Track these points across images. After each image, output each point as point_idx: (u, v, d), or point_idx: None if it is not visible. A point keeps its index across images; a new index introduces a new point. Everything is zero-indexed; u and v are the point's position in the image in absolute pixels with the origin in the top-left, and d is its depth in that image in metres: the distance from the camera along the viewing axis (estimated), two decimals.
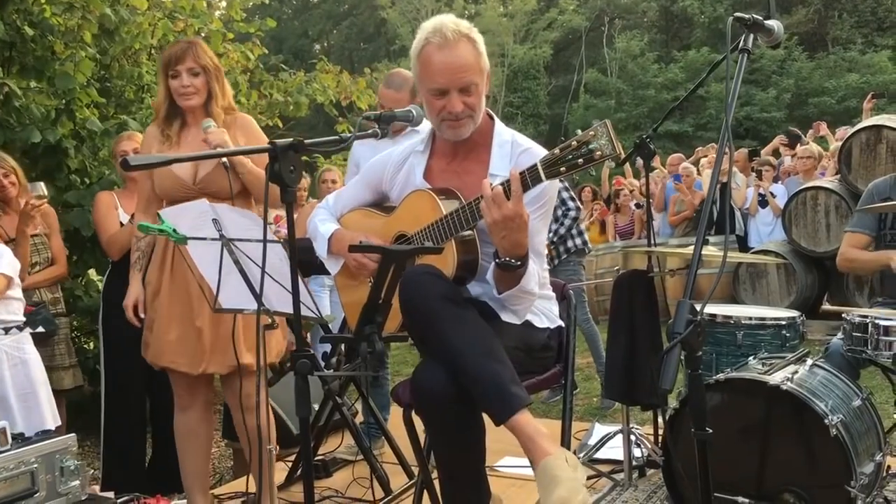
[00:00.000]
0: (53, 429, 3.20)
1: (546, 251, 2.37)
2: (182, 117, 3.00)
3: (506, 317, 2.26)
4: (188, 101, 2.93)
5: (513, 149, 2.30)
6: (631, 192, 9.54)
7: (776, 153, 9.74)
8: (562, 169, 1.91)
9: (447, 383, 1.99)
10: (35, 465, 2.56)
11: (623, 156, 1.85)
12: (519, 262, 2.06)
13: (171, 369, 2.99)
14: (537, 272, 2.23)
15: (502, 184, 1.99)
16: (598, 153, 1.85)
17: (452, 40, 2.19)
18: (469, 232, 2.18)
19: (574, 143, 1.88)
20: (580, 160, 1.88)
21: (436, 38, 2.20)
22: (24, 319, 3.45)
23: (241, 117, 3.06)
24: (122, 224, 3.75)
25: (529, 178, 1.95)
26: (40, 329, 3.74)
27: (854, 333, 2.95)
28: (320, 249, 2.54)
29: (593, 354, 5.42)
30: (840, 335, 3.12)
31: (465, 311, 2.06)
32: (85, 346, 5.28)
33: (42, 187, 3.82)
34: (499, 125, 2.37)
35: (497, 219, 1.98)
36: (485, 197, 1.99)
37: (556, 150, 1.91)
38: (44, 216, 3.93)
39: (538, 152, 2.25)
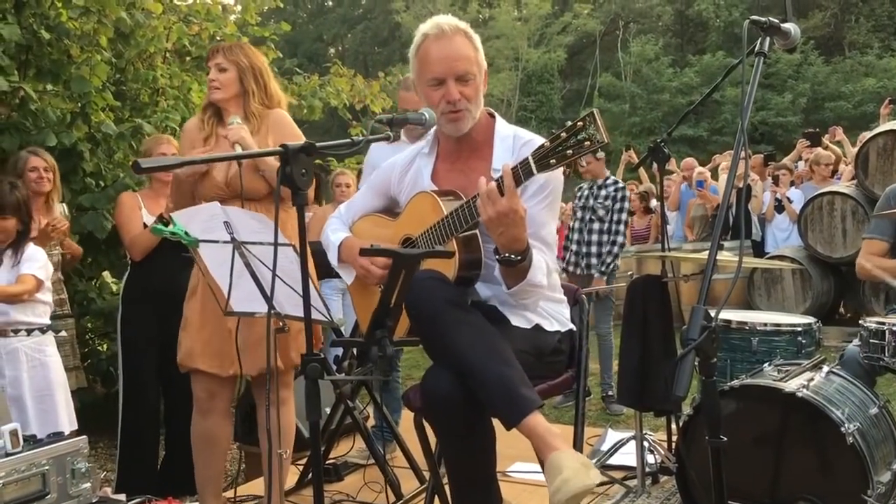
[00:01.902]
0: (68, 433, 3.21)
1: (556, 242, 2.36)
2: (217, 112, 3.06)
3: (515, 320, 2.25)
4: (212, 94, 3.01)
5: (514, 142, 2.31)
6: (641, 195, 9.48)
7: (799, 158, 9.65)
8: (552, 161, 1.90)
9: (455, 388, 1.99)
10: (46, 468, 2.56)
11: (609, 142, 1.84)
12: (519, 257, 2.05)
13: (199, 370, 2.98)
14: (546, 263, 2.21)
15: (496, 180, 1.98)
16: (588, 143, 1.85)
17: (449, 32, 2.24)
18: (471, 230, 2.18)
19: (563, 134, 1.88)
20: (569, 151, 1.87)
21: (433, 32, 2.25)
22: (48, 322, 3.48)
23: (273, 113, 3.05)
24: (145, 225, 3.77)
25: (522, 171, 1.95)
26: (63, 333, 3.78)
27: (871, 340, 2.92)
28: (332, 258, 2.55)
29: (602, 365, 5.41)
30: (856, 341, 3.09)
31: (470, 315, 2.06)
32: (98, 347, 5.29)
33: (64, 208, 3.87)
34: (500, 121, 2.38)
35: (492, 216, 1.97)
36: (479, 194, 1.99)
37: (547, 143, 1.91)
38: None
39: (539, 143, 2.26)
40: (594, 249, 5.29)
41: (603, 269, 5.21)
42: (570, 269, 5.42)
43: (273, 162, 2.85)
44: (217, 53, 3.02)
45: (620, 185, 5.39)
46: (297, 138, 2.95)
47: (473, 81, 2.25)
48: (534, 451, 2.01)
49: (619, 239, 5.27)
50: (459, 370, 1.99)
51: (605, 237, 5.27)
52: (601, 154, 5.36)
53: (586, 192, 5.41)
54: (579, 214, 5.41)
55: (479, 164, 2.33)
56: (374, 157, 3.79)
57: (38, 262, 3.39)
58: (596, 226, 5.30)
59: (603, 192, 5.30)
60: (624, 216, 5.30)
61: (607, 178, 5.37)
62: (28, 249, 3.39)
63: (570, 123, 1.88)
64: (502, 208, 1.95)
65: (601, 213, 5.27)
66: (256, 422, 3.24)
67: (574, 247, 5.38)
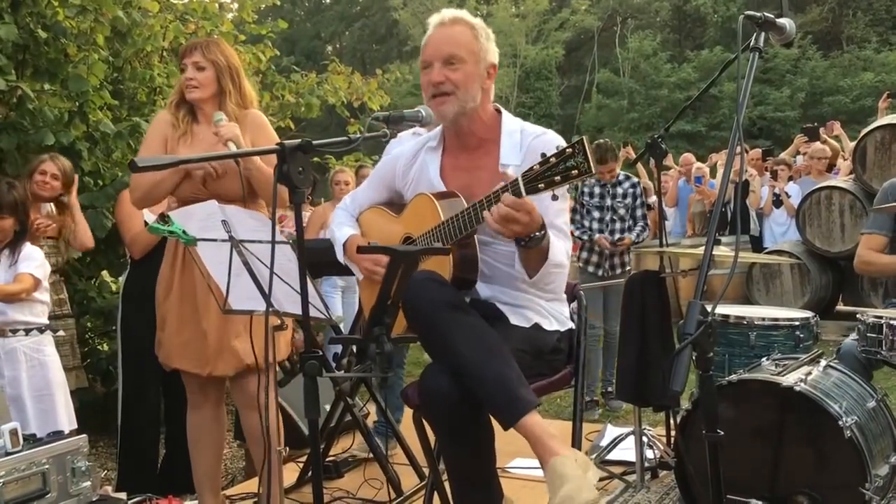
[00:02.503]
0: (67, 432, 3.21)
1: (568, 230, 2.36)
2: (191, 109, 3.00)
3: (514, 319, 2.25)
4: (189, 93, 2.95)
5: (522, 137, 2.30)
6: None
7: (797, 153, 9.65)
8: (540, 185, 1.90)
9: (452, 386, 1.99)
10: (46, 466, 2.57)
11: (594, 172, 1.85)
12: (542, 232, 2.04)
13: (181, 370, 3.00)
14: (564, 248, 2.22)
15: (495, 200, 1.98)
16: (575, 171, 1.85)
17: (448, 22, 2.27)
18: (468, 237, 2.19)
19: (553, 159, 1.88)
20: (557, 177, 1.88)
21: (436, 21, 2.30)
22: (46, 322, 3.48)
23: (251, 114, 3.01)
24: (146, 223, 3.76)
25: (511, 191, 1.95)
26: (61, 333, 3.78)
27: (869, 334, 2.93)
28: (338, 255, 2.56)
29: (605, 362, 5.39)
30: (853, 336, 3.10)
31: (468, 316, 2.06)
32: (98, 347, 5.29)
33: (51, 208, 3.86)
34: (506, 116, 2.37)
35: (519, 231, 1.99)
36: (497, 220, 1.96)
37: (537, 166, 1.91)
38: (71, 206, 4.00)
39: (553, 138, 2.28)
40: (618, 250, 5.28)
41: (635, 236, 5.27)
42: (591, 269, 5.35)
43: (258, 161, 2.84)
44: (194, 51, 2.94)
45: (634, 179, 5.40)
46: (274, 140, 2.93)
47: (462, 67, 2.24)
48: None
49: (648, 227, 5.37)
50: (458, 370, 1.99)
51: (626, 234, 5.28)
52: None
53: (598, 190, 5.36)
54: (596, 214, 5.34)
55: (486, 161, 2.32)
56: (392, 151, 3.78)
57: (35, 261, 3.40)
58: (618, 225, 5.29)
59: (619, 191, 5.29)
60: (645, 209, 5.39)
61: (618, 175, 5.36)
62: (25, 249, 3.40)
63: (559, 148, 1.88)
64: (524, 219, 1.95)
65: (622, 211, 5.26)
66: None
67: (596, 247, 5.34)
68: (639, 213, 5.32)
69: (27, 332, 3.38)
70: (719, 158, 9.93)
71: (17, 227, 3.39)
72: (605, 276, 5.29)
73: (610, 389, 5.24)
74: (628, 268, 5.33)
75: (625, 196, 5.30)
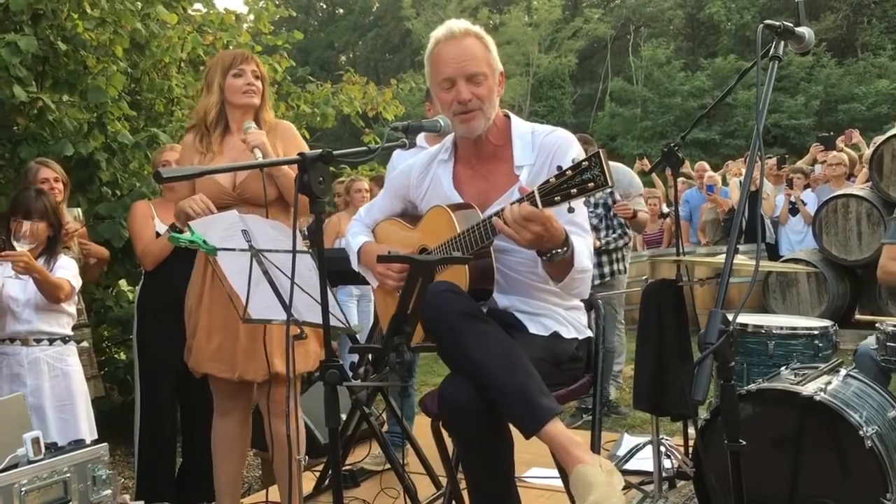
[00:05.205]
0: (89, 441, 3.23)
1: (588, 225, 2.35)
2: (225, 123, 3.05)
3: (533, 328, 2.25)
4: (251, 98, 3.00)
5: (534, 137, 2.32)
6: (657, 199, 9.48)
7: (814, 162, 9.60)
8: (556, 198, 1.91)
9: (473, 396, 1.99)
10: (68, 475, 2.58)
11: (611, 185, 1.84)
12: (564, 248, 2.04)
13: (212, 375, 3.01)
14: (586, 246, 2.20)
15: (518, 200, 1.98)
16: (591, 184, 1.85)
17: (460, 35, 2.27)
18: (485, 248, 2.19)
19: (569, 171, 1.88)
20: (573, 189, 1.88)
21: (443, 34, 2.29)
22: (70, 333, 3.50)
23: (282, 124, 3.12)
24: (158, 234, 3.79)
25: (527, 203, 1.95)
26: (84, 344, 3.80)
27: (888, 343, 2.92)
28: (353, 262, 2.58)
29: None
30: (871, 340, 3.08)
31: (487, 326, 2.06)
32: (115, 356, 5.33)
33: (78, 213, 3.89)
34: (515, 120, 2.40)
35: (533, 239, 1.97)
36: (509, 222, 1.97)
37: (552, 179, 1.91)
38: (80, 237, 4.02)
39: (563, 134, 2.31)
40: (618, 256, 5.21)
41: (618, 236, 5.16)
42: (596, 282, 5.15)
43: (286, 168, 2.87)
44: (251, 60, 3.05)
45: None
46: (304, 149, 2.96)
47: (485, 82, 2.27)
48: (551, 457, 2.02)
49: (627, 234, 5.23)
50: (477, 380, 1.99)
51: (612, 232, 5.19)
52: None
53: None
54: (594, 222, 5.28)
55: (500, 167, 2.34)
56: (395, 163, 3.81)
57: (69, 271, 3.43)
58: (603, 232, 5.22)
59: (591, 200, 5.17)
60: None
61: None
62: (61, 259, 3.43)
63: (574, 161, 1.89)
64: (537, 230, 1.95)
65: (594, 221, 5.13)
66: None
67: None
68: (615, 221, 5.17)
69: (51, 341, 3.39)
70: (735, 166, 9.89)
71: (50, 232, 3.41)
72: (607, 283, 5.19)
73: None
74: (626, 274, 5.23)
75: (596, 206, 5.12)
